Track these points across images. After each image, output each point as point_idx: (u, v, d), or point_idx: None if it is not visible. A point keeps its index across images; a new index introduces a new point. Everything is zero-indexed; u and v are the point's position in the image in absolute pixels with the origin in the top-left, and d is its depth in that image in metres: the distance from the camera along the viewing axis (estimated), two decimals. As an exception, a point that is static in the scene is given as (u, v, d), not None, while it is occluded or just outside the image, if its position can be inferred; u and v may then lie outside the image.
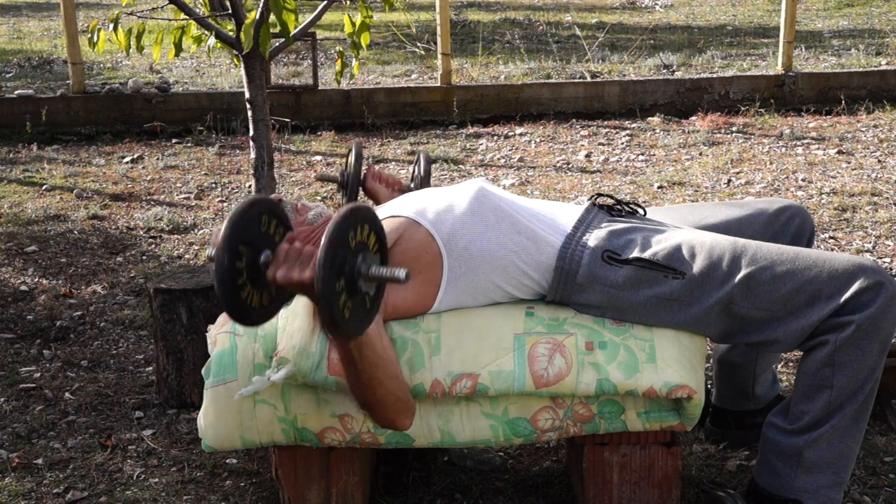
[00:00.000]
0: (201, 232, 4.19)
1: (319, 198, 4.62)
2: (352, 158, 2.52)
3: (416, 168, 2.64)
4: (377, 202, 2.52)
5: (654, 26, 9.52)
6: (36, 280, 3.65)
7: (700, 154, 5.34)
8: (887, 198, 4.40)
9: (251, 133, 3.06)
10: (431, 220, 1.96)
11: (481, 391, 1.91)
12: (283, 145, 5.72)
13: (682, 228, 2.06)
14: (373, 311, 1.71)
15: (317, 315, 1.67)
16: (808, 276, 1.87)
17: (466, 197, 2.01)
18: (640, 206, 2.16)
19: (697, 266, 1.92)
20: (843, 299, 1.85)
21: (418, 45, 8.29)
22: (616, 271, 1.94)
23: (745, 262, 1.90)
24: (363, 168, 2.51)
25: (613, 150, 5.54)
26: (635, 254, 1.95)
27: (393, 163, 5.36)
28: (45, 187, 4.89)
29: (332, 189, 4.79)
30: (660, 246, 1.95)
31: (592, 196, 2.15)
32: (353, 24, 3.20)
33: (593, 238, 1.98)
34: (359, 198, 2.53)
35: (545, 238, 1.99)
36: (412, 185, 2.62)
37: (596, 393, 1.92)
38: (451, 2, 11.21)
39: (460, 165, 5.26)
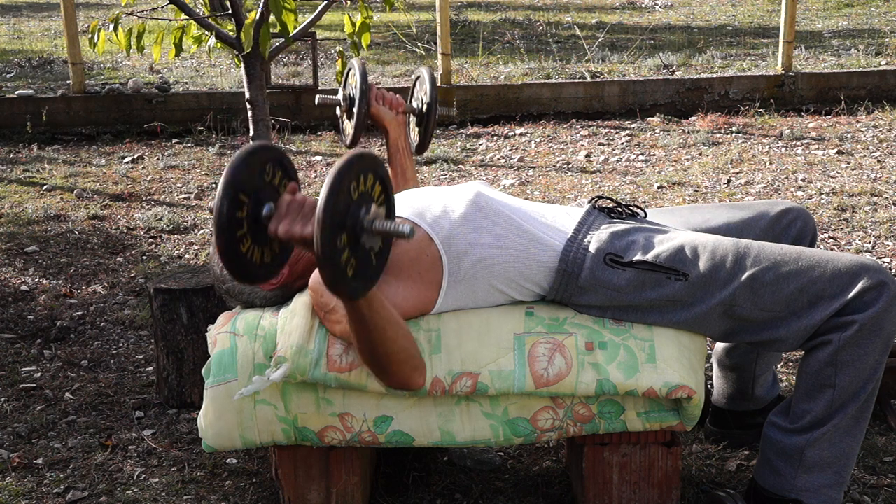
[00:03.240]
0: (201, 232, 4.19)
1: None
2: (354, 78, 2.35)
3: (418, 87, 2.50)
4: (382, 126, 2.45)
5: (654, 26, 9.52)
6: (36, 280, 3.65)
7: (700, 154, 5.34)
8: (887, 198, 4.40)
9: (251, 133, 3.06)
10: (430, 222, 1.96)
11: (481, 390, 1.92)
12: (283, 145, 5.72)
13: (684, 230, 2.06)
14: (379, 269, 1.60)
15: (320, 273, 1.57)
16: (812, 276, 1.87)
17: (464, 201, 2.00)
18: (640, 207, 2.16)
19: (700, 267, 1.91)
20: (846, 299, 1.85)
21: (418, 45, 8.29)
22: (619, 274, 1.94)
23: (749, 262, 1.90)
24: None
25: (613, 150, 5.54)
26: (637, 256, 1.94)
27: (393, 163, 5.36)
28: (45, 187, 4.89)
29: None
30: (662, 247, 1.95)
31: (593, 198, 2.15)
32: (354, 25, 3.20)
33: (595, 240, 1.98)
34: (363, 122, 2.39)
35: (546, 241, 1.99)
36: (415, 105, 2.49)
37: (596, 393, 1.92)
38: (451, 2, 11.21)
39: (460, 165, 5.26)
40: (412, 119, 2.54)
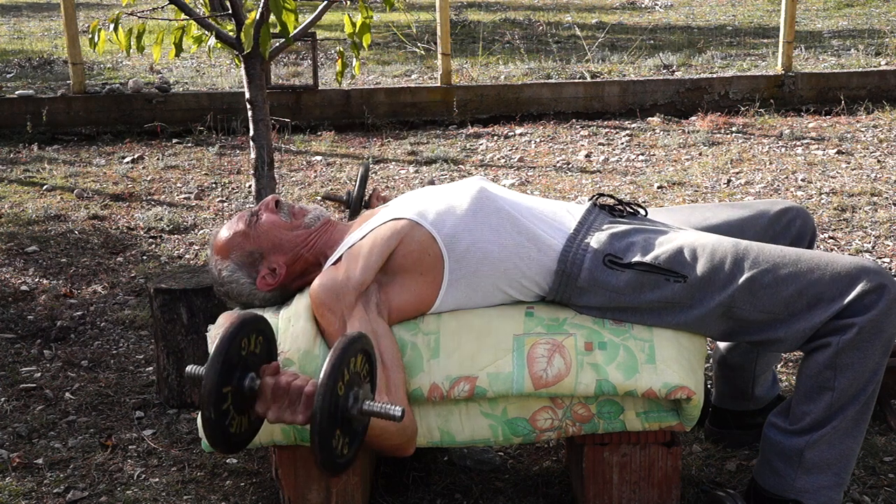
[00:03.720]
0: (201, 232, 4.19)
1: (319, 198, 4.62)
2: (357, 177, 2.52)
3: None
4: None
5: (654, 26, 9.52)
6: (36, 280, 3.65)
7: (700, 154, 5.34)
8: (887, 198, 4.40)
9: (251, 133, 3.06)
10: (432, 221, 1.96)
11: (479, 394, 1.91)
12: (283, 145, 5.72)
13: (684, 230, 2.05)
14: (365, 430, 1.68)
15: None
16: (811, 278, 1.87)
17: (467, 198, 2.00)
18: (641, 206, 2.16)
19: (699, 269, 1.91)
20: (845, 302, 1.84)
21: (418, 45, 8.29)
22: (618, 276, 1.94)
23: (748, 264, 1.90)
24: (367, 190, 2.52)
25: (613, 150, 5.54)
26: (637, 258, 1.94)
27: (393, 163, 5.36)
28: (45, 187, 4.89)
29: (331, 187, 4.80)
30: (661, 249, 1.95)
31: (594, 196, 2.15)
32: (354, 25, 3.20)
33: (594, 241, 1.98)
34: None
35: (546, 240, 1.99)
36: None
37: (595, 393, 1.92)
38: (451, 2, 11.21)
39: (460, 165, 5.26)
40: None
